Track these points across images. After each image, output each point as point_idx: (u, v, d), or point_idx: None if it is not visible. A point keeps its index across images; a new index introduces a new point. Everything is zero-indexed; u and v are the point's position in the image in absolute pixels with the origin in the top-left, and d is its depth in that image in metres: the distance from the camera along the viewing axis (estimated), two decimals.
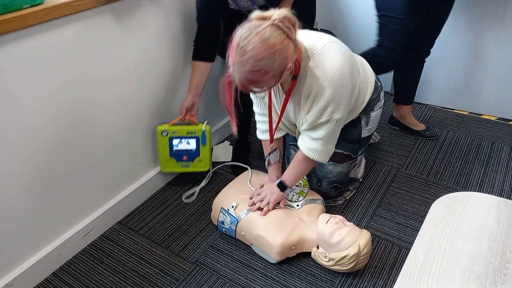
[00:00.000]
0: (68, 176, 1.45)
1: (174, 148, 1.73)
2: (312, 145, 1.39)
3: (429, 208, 1.67)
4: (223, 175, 1.94)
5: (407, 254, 1.50)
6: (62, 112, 1.35)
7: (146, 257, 1.54)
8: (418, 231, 1.58)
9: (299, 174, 1.49)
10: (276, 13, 1.11)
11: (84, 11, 1.30)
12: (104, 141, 1.54)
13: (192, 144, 1.74)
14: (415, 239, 1.54)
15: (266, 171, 1.65)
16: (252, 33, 1.08)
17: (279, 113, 1.45)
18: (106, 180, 1.61)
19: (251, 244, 1.53)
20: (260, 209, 1.51)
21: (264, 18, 1.11)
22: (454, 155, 2.02)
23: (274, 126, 1.50)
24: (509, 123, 2.25)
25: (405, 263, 0.81)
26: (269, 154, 1.57)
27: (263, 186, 1.59)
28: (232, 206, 1.55)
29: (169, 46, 1.69)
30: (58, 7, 1.22)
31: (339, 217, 1.44)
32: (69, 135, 1.40)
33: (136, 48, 1.54)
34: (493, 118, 2.30)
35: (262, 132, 1.58)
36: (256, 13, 1.12)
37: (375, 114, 1.59)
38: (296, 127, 1.53)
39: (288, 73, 1.20)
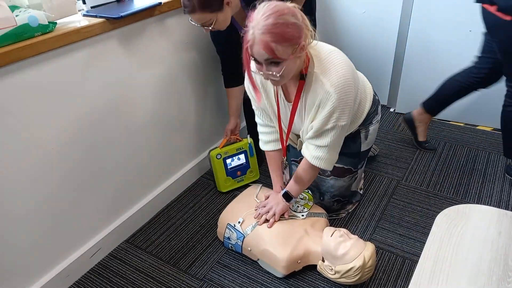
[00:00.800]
0: (75, 196, 1.48)
1: (229, 167, 1.92)
2: (317, 153, 1.42)
3: (430, 219, 1.72)
4: (226, 191, 1.97)
5: (411, 265, 1.53)
6: (72, 135, 1.39)
7: (154, 275, 1.56)
8: (420, 242, 1.63)
9: (303, 183, 1.52)
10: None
11: (93, 37, 1.35)
12: (111, 161, 1.58)
13: (242, 159, 1.94)
14: (417, 250, 1.59)
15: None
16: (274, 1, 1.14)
17: (284, 125, 1.49)
18: (113, 198, 1.64)
19: (258, 259, 1.56)
20: (266, 220, 1.54)
21: None
22: (452, 166, 2.06)
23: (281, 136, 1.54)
24: None
25: (413, 275, 0.84)
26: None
27: (268, 197, 1.62)
28: (239, 222, 1.58)
29: (177, 69, 1.74)
30: (68, 34, 1.27)
31: (343, 230, 1.47)
32: (77, 155, 1.43)
33: (143, 70, 1.59)
34: (489, 129, 2.36)
35: (265, 143, 1.61)
36: None
37: (373, 128, 1.64)
38: (298, 137, 1.57)
39: (301, 57, 1.22)
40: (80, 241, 1.55)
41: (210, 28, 1.49)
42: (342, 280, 1.42)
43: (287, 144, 1.59)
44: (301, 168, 1.50)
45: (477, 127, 2.38)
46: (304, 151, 1.46)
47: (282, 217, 1.56)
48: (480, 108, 2.33)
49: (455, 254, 0.87)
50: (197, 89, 1.91)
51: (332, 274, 1.44)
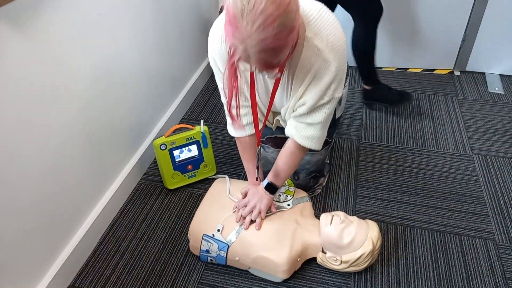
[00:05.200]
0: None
1: (177, 160, 1.59)
2: (309, 132, 1.18)
3: (403, 176, 1.64)
4: (180, 191, 1.64)
5: (405, 230, 1.45)
6: None
7: None
8: (404, 203, 1.55)
9: (290, 169, 1.29)
10: None
11: None
12: (31, 193, 1.13)
13: (194, 151, 1.60)
14: (404, 212, 1.50)
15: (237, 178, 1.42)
16: None
17: (262, 103, 1.21)
18: (46, 239, 1.21)
19: (249, 268, 1.32)
20: (252, 222, 1.29)
21: None
22: (401, 115, 2.02)
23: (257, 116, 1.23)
24: (434, 72, 2.35)
25: None
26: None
27: (245, 194, 1.36)
28: (218, 230, 1.30)
29: (95, 50, 1.29)
30: None
31: (340, 214, 1.30)
32: None
33: (52, 60, 1.13)
34: (419, 70, 2.37)
35: (236, 128, 1.31)
36: None
37: (345, 91, 1.45)
38: (273, 115, 1.32)
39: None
40: None
41: None
42: (351, 269, 1.27)
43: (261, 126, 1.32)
44: (286, 153, 1.26)
45: (408, 70, 2.38)
46: (291, 132, 1.21)
47: (268, 211, 1.32)
48: (410, 51, 2.31)
49: None
50: (127, 70, 1.48)
51: (337, 265, 1.28)
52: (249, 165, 1.36)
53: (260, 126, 1.28)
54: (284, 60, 0.90)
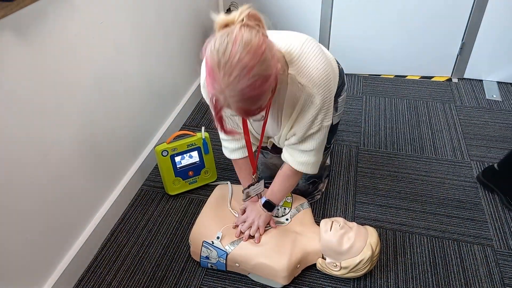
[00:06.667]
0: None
1: (178, 166, 1.60)
2: (303, 158, 1.23)
3: (402, 182, 1.66)
4: (182, 196, 1.66)
5: (404, 236, 1.46)
6: None
7: None
8: (402, 209, 1.57)
9: (287, 190, 1.33)
10: (237, 13, 0.89)
11: None
12: (34, 197, 1.15)
13: (195, 157, 1.61)
14: (403, 218, 1.52)
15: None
16: (228, 43, 0.84)
17: (254, 131, 1.25)
18: (48, 245, 1.22)
19: (248, 273, 1.33)
20: (251, 237, 1.32)
21: (227, 25, 0.89)
22: (399, 122, 2.04)
23: (249, 145, 1.28)
24: (432, 79, 2.37)
25: None
26: (250, 186, 1.36)
27: (244, 210, 1.39)
28: (218, 237, 1.31)
29: (96, 57, 1.31)
30: None
31: (340, 220, 1.31)
32: None
33: (59, 67, 1.15)
34: (417, 78, 2.40)
35: (232, 150, 1.35)
36: (218, 21, 0.89)
37: (342, 98, 1.48)
38: (268, 138, 1.35)
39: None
40: None
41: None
42: (350, 274, 1.29)
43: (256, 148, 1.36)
44: (284, 175, 1.30)
45: (407, 77, 2.40)
46: (287, 158, 1.26)
47: (267, 226, 1.35)
48: (408, 59, 2.34)
49: None
50: (128, 78, 1.51)
51: (337, 271, 1.29)
52: (245, 184, 1.40)
53: (254, 148, 1.34)
54: (264, 105, 0.93)
